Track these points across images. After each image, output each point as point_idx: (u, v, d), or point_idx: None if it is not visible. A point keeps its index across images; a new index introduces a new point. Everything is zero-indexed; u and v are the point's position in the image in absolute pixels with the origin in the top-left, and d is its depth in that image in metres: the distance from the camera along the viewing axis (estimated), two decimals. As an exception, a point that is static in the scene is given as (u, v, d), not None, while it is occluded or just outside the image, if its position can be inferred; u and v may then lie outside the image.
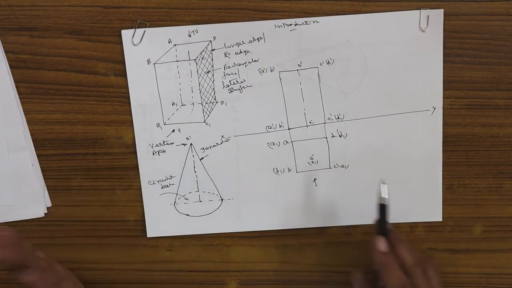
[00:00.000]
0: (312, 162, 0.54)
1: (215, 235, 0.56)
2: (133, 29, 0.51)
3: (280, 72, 0.52)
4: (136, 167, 0.54)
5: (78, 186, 0.55)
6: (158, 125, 0.53)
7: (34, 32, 0.51)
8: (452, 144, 0.54)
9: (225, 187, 0.55)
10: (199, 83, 0.52)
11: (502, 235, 0.56)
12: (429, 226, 0.55)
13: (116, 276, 0.57)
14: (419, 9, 0.51)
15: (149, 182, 0.54)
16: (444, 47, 0.52)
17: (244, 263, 0.57)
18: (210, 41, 0.51)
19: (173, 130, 0.53)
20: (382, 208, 0.48)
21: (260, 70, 0.52)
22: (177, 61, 0.52)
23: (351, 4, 0.51)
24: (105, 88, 0.53)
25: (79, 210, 0.55)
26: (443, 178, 0.54)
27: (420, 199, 0.54)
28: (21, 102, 0.53)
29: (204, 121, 0.53)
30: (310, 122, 0.53)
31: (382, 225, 0.48)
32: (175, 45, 0.51)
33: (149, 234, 0.55)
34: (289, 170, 0.54)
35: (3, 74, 0.52)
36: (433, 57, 0.52)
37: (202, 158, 0.54)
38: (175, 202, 0.55)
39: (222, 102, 0.53)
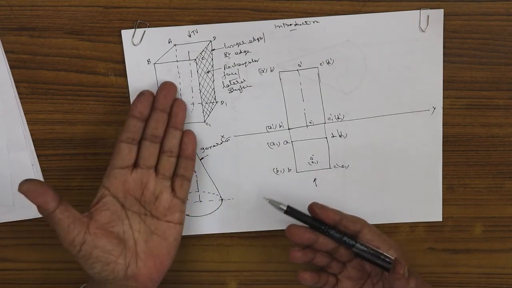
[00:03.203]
0: (312, 162, 0.54)
1: (215, 235, 0.56)
2: (133, 29, 0.51)
3: (280, 72, 0.52)
4: (136, 167, 0.54)
5: (78, 186, 0.55)
6: (158, 125, 0.53)
7: (34, 32, 0.51)
8: (452, 144, 0.54)
9: (225, 187, 0.54)
10: (199, 83, 0.52)
11: (502, 235, 0.56)
12: (429, 226, 0.55)
13: (116, 276, 0.57)
14: (419, 9, 0.51)
15: (149, 182, 0.54)
16: (444, 47, 0.52)
17: (244, 263, 0.57)
18: (210, 41, 0.51)
19: (173, 130, 0.53)
20: (291, 211, 0.49)
21: (260, 70, 0.52)
22: (177, 61, 0.52)
23: (351, 4, 0.51)
24: (105, 88, 0.53)
25: (79, 210, 0.55)
26: (443, 178, 0.54)
27: (420, 199, 0.54)
28: (21, 102, 0.53)
29: (204, 121, 0.53)
30: (310, 122, 0.53)
31: (306, 220, 0.50)
32: (175, 45, 0.51)
33: (149, 234, 0.55)
34: (289, 170, 0.54)
35: (3, 74, 0.52)
36: (433, 57, 0.52)
37: (202, 158, 0.54)
38: (175, 202, 0.55)
39: (222, 102, 0.53)
